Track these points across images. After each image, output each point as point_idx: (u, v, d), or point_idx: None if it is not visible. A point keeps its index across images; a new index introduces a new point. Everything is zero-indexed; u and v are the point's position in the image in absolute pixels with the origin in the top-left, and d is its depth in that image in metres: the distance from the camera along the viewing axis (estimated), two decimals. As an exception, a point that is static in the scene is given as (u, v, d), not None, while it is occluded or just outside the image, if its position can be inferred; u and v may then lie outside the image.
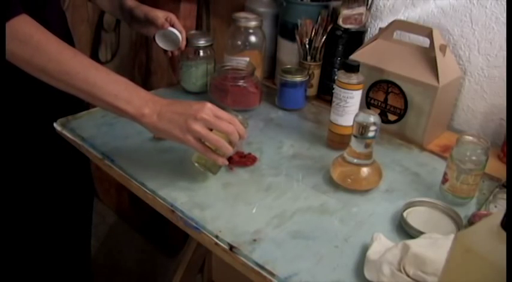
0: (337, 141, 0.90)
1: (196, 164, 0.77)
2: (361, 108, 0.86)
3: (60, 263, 1.14)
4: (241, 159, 0.83)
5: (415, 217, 0.71)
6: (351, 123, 0.77)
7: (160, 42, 1.00)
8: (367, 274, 0.60)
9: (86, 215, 1.22)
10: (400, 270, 0.58)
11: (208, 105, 0.71)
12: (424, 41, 0.93)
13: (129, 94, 0.69)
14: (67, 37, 1.00)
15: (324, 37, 1.04)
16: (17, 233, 1.03)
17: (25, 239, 1.04)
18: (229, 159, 0.83)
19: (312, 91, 1.11)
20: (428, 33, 0.90)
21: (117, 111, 0.70)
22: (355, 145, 0.76)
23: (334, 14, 1.04)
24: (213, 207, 0.72)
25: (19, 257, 1.05)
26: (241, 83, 1.01)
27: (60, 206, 1.08)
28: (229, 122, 0.72)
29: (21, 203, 0.99)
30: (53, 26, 0.93)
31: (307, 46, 1.06)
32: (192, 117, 0.68)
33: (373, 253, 0.62)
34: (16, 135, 0.93)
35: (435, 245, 0.60)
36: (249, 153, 0.85)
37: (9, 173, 0.95)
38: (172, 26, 1.00)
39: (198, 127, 0.69)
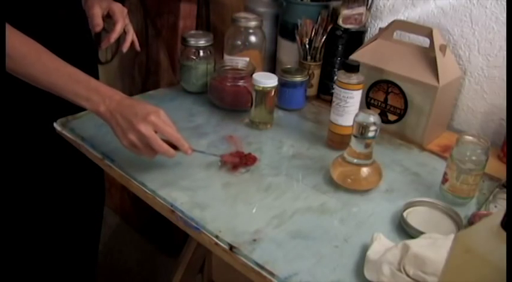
0: (337, 141, 0.90)
1: (249, 120, 0.97)
2: (361, 108, 0.86)
3: (66, 263, 1.15)
4: (242, 160, 0.83)
5: (415, 217, 0.71)
6: (351, 123, 0.77)
7: None
8: (367, 274, 0.60)
9: (96, 218, 1.23)
10: (400, 270, 0.58)
11: (152, 118, 0.72)
12: (424, 41, 0.93)
13: (88, 92, 0.74)
14: (84, 36, 1.00)
15: (324, 37, 1.04)
16: (26, 233, 1.03)
17: (33, 240, 1.05)
18: (231, 160, 0.83)
19: (312, 91, 1.11)
20: (428, 33, 0.90)
21: (79, 105, 0.76)
22: (355, 145, 0.76)
23: (334, 14, 1.04)
24: (213, 207, 0.72)
25: (27, 257, 1.06)
26: (241, 83, 1.01)
27: (71, 207, 1.08)
28: (172, 139, 0.75)
29: (29, 203, 1.00)
30: (67, 26, 0.95)
31: (307, 46, 1.06)
32: (132, 127, 0.72)
33: (373, 253, 0.62)
34: (19, 136, 0.94)
35: (435, 245, 0.60)
36: (249, 153, 0.85)
37: (17, 174, 0.96)
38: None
39: (133, 138, 0.72)
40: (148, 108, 0.74)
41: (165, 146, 0.74)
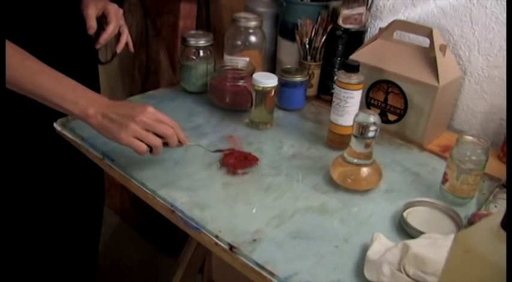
0: (337, 141, 0.90)
1: (249, 120, 0.97)
2: (361, 108, 0.86)
3: (67, 263, 1.15)
4: (245, 161, 0.83)
5: (415, 217, 0.71)
6: (351, 123, 0.77)
7: None
8: (367, 274, 0.60)
9: (96, 218, 1.23)
10: (400, 270, 0.58)
11: (150, 109, 0.73)
12: (424, 41, 0.93)
13: (75, 95, 0.72)
14: (84, 36, 0.99)
15: (324, 37, 1.04)
16: (26, 233, 1.03)
17: (33, 240, 1.05)
18: (232, 161, 0.83)
19: (312, 91, 1.11)
20: (428, 33, 0.90)
21: (65, 111, 0.73)
22: (355, 145, 0.76)
23: (334, 14, 1.04)
24: (213, 207, 0.72)
25: (27, 257, 1.06)
26: (241, 83, 1.01)
27: (71, 207, 1.08)
28: (170, 126, 0.74)
29: (29, 204, 1.00)
30: (68, 26, 0.94)
31: (307, 46, 1.06)
32: (132, 118, 0.71)
33: (373, 253, 0.62)
34: (19, 136, 0.94)
35: (435, 245, 0.60)
36: (249, 153, 0.85)
37: (17, 174, 0.96)
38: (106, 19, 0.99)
39: (136, 127, 0.71)
40: (140, 104, 0.74)
41: (171, 129, 0.73)
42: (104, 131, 0.72)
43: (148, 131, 0.72)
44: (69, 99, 0.71)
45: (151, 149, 0.73)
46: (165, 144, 0.74)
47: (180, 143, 0.76)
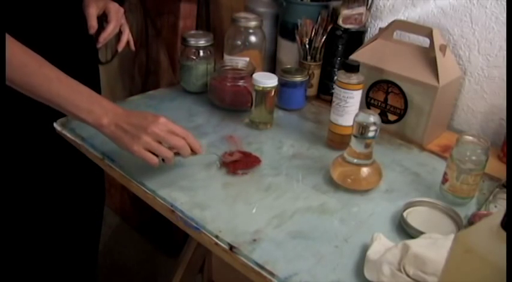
0: (337, 141, 0.90)
1: (249, 120, 0.97)
2: (361, 108, 0.86)
3: (67, 263, 1.15)
4: (246, 162, 0.82)
5: (415, 217, 0.71)
6: (351, 123, 0.77)
7: None
8: (367, 274, 0.60)
9: (96, 218, 1.23)
10: (400, 270, 0.58)
11: (162, 119, 0.73)
12: (424, 41, 0.93)
13: (90, 104, 0.72)
14: (84, 36, 0.99)
15: (324, 37, 1.04)
16: (26, 233, 1.03)
17: (33, 240, 1.05)
18: (233, 162, 0.82)
19: (312, 91, 1.11)
20: (428, 33, 0.90)
21: (79, 120, 0.73)
22: (355, 145, 0.76)
23: (334, 14, 1.04)
24: (213, 207, 0.72)
25: (27, 257, 1.06)
26: (241, 83, 1.01)
27: (71, 207, 1.09)
28: (182, 137, 0.74)
29: (29, 204, 1.00)
30: (68, 25, 0.94)
31: (307, 46, 1.06)
32: (144, 130, 0.71)
33: (373, 253, 0.62)
34: (19, 136, 0.94)
35: (435, 245, 0.60)
36: (250, 154, 0.85)
37: (17, 174, 0.96)
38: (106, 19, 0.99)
39: (148, 139, 0.71)
40: (153, 114, 0.74)
41: (183, 141, 0.74)
42: (117, 141, 0.72)
43: (160, 142, 0.72)
44: (84, 108, 0.71)
45: (163, 158, 0.74)
46: (178, 153, 0.75)
47: (194, 152, 0.76)
